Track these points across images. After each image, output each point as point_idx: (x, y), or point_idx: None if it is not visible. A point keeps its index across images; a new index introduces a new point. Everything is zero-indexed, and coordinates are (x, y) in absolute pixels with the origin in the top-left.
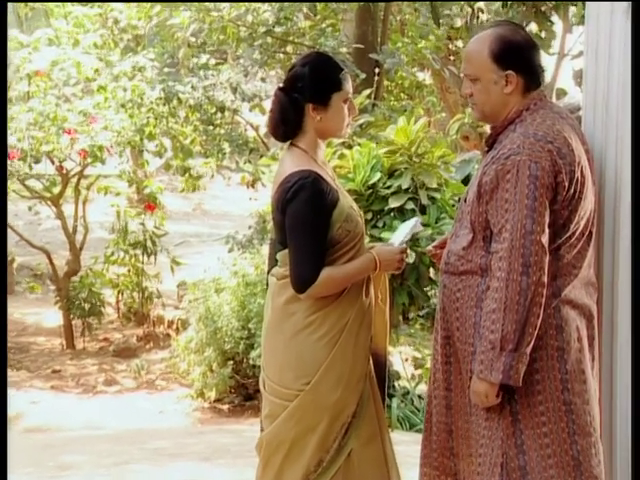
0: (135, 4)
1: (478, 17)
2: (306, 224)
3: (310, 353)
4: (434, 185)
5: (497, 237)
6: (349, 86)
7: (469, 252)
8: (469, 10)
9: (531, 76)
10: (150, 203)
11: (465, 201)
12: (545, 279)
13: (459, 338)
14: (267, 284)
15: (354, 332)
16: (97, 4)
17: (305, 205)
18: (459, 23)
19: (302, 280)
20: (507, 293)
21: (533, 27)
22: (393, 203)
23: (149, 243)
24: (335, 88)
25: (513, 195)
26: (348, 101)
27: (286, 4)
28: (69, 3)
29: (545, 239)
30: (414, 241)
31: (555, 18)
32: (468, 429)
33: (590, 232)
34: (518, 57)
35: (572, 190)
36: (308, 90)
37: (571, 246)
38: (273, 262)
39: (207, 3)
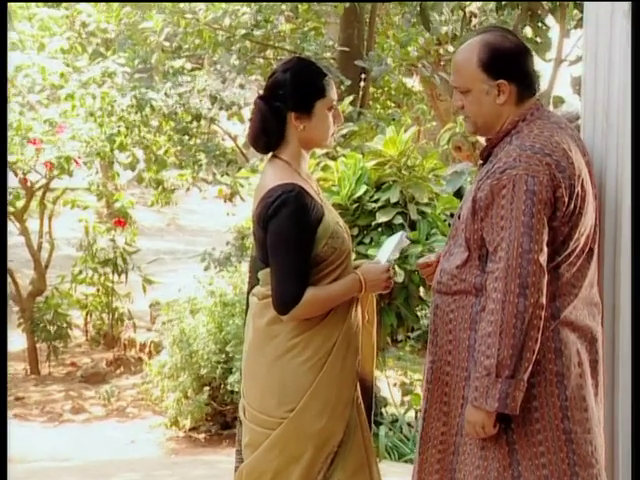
0: (104, 5)
1: (470, 21)
2: (289, 241)
3: (294, 378)
4: (425, 200)
5: (493, 256)
6: (333, 93)
7: (463, 271)
8: (460, 13)
9: (525, 84)
10: (121, 218)
11: (459, 217)
12: (543, 301)
13: (451, 362)
14: (247, 304)
15: (341, 355)
16: (64, 5)
17: (288, 221)
18: (450, 27)
19: (285, 300)
20: (503, 316)
21: (528, 32)
22: (381, 218)
23: (119, 261)
24: (318, 95)
25: (509, 212)
26: (333, 109)
27: (264, 5)
28: (33, 4)
29: (543, 258)
30: (402, 259)
31: (551, 21)
32: (462, 461)
33: (590, 249)
34: (509, 64)
35: (572, 205)
36: (290, 98)
37: (571, 264)
38: (254, 281)
39: (182, 5)
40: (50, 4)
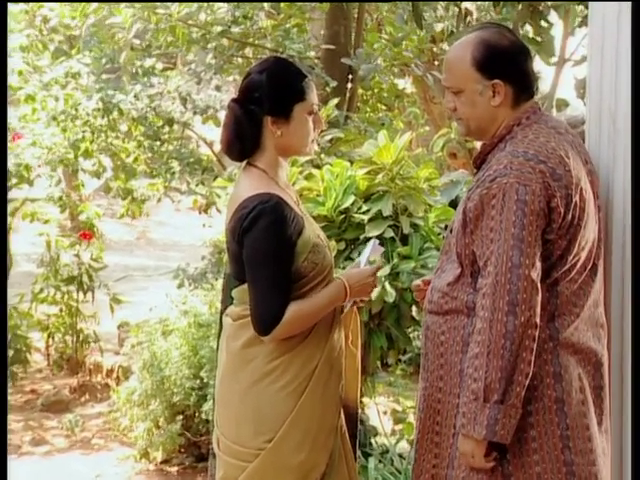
0: None
1: (466, 17)
2: (267, 255)
3: (271, 405)
4: (420, 213)
5: (482, 271)
6: (314, 95)
7: (454, 288)
8: (455, 10)
9: (522, 85)
10: (86, 231)
11: (451, 231)
12: (537, 320)
13: (443, 389)
14: (220, 326)
15: (323, 380)
16: None
17: (266, 233)
18: (444, 24)
19: (266, 320)
20: (491, 336)
21: (529, 31)
22: (371, 231)
23: (85, 278)
24: (297, 98)
25: (498, 223)
26: (313, 113)
27: None
28: None
29: (536, 274)
30: (393, 276)
31: (555, 18)
32: None
33: (594, 265)
34: (505, 64)
35: (569, 216)
36: (266, 101)
37: (571, 281)
38: (227, 300)
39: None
40: None
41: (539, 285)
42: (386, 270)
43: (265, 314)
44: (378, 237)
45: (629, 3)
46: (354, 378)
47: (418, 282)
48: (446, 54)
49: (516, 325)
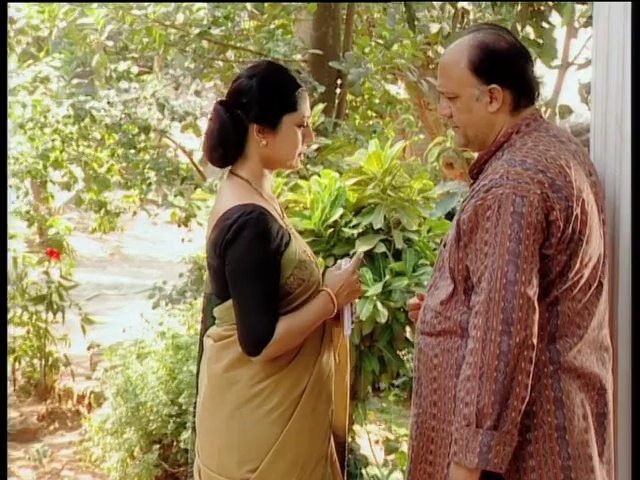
0: None
1: (463, 18)
2: (253, 269)
3: (257, 431)
4: (414, 226)
5: (476, 288)
6: (306, 107)
7: (448, 307)
8: (451, 10)
9: (521, 90)
10: (56, 247)
11: (445, 245)
12: (533, 340)
13: (437, 415)
14: (200, 348)
15: (311, 405)
16: None
17: (250, 246)
18: (441, 26)
19: (255, 339)
20: (484, 357)
21: (531, 33)
22: (361, 246)
23: (55, 297)
24: (288, 108)
25: (493, 236)
26: (303, 125)
27: None
28: None
29: (532, 291)
30: (386, 294)
31: (557, 19)
32: None
33: (600, 283)
34: (503, 67)
35: (569, 230)
36: (254, 107)
37: (574, 300)
38: (209, 320)
39: None
40: None
41: (536, 303)
42: (378, 288)
43: (254, 333)
44: (369, 252)
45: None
46: (342, 402)
47: (413, 300)
48: (441, 57)
49: (511, 346)
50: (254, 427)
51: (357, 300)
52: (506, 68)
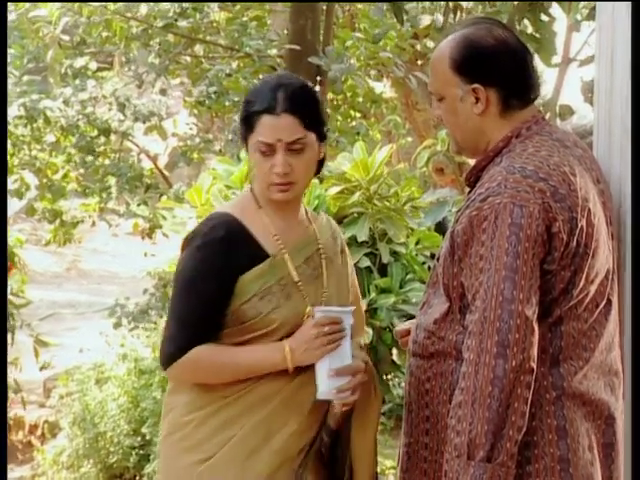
0: None
1: (455, 12)
2: (186, 279)
3: (175, 468)
4: (401, 238)
5: (471, 306)
6: (266, 132)
7: (442, 327)
8: (443, 3)
9: (510, 89)
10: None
11: (438, 259)
12: (532, 364)
13: (429, 445)
14: None
15: (243, 453)
16: None
17: (193, 255)
18: (430, 18)
19: (166, 352)
20: (476, 382)
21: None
22: None
23: None
24: (247, 128)
25: (489, 250)
26: (265, 154)
27: None
28: None
29: (531, 310)
30: (371, 312)
31: (557, 12)
32: None
33: (608, 301)
34: (487, 65)
35: (574, 244)
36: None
37: (579, 319)
38: None
39: None
40: None
41: (535, 324)
42: (363, 306)
43: (166, 345)
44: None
45: None
46: (366, 466)
47: (403, 326)
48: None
49: (506, 370)
50: (173, 461)
51: (353, 360)
52: (490, 66)
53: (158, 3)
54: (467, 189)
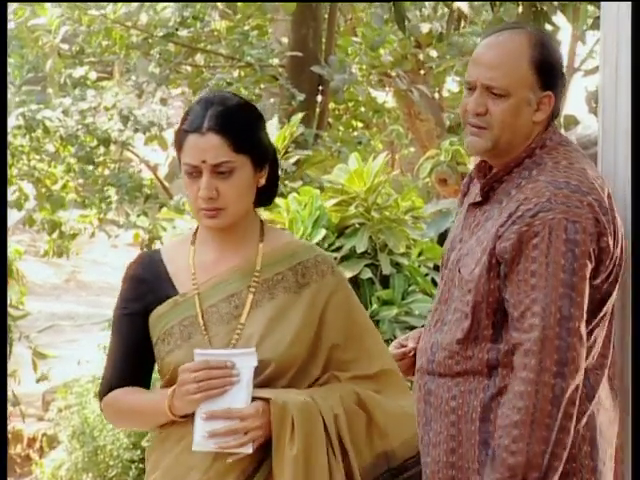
0: None
1: (459, 21)
2: (112, 318)
3: None
4: (401, 249)
5: (518, 323)
6: (192, 153)
7: (467, 346)
8: (446, 10)
9: (558, 103)
10: None
11: (449, 270)
12: (581, 381)
13: (456, 464)
14: None
15: None
16: None
17: (119, 294)
18: (432, 26)
19: (100, 386)
20: (536, 401)
21: None
22: (345, 272)
23: None
24: (177, 147)
25: (544, 267)
26: (194, 174)
27: None
28: None
29: (584, 327)
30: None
31: (562, 21)
32: None
33: (613, 309)
34: (559, 73)
35: (617, 255)
36: None
37: (603, 328)
38: None
39: None
40: None
41: (585, 340)
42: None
43: (100, 384)
44: (354, 279)
45: None
46: None
47: (399, 350)
48: (488, 48)
49: (564, 389)
50: None
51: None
52: (561, 75)
53: (158, 12)
54: (475, 201)
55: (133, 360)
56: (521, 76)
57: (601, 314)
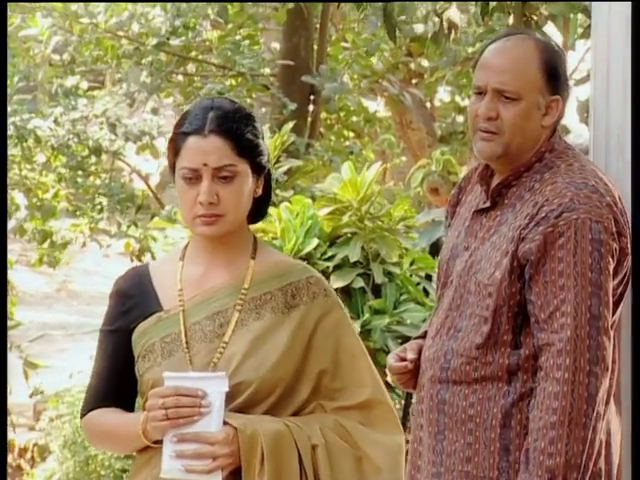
0: None
1: (450, 31)
2: (99, 334)
3: None
4: (394, 258)
5: (546, 324)
6: (190, 157)
7: (487, 351)
8: (436, 20)
9: (564, 108)
10: None
11: (459, 277)
12: (608, 380)
13: (471, 473)
14: None
15: None
16: None
17: (106, 311)
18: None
19: (80, 408)
20: (573, 401)
21: None
22: (337, 281)
23: None
24: (174, 151)
25: (572, 266)
26: (190, 182)
27: (183, 6)
28: None
29: (610, 326)
30: (364, 333)
31: (552, 29)
32: None
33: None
34: (565, 79)
35: (630, 256)
36: None
37: (615, 330)
38: None
39: (74, 6)
40: None
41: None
42: (356, 328)
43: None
44: (346, 288)
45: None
46: None
47: (400, 364)
48: (495, 53)
49: (597, 388)
50: None
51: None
52: (567, 80)
53: (149, 22)
54: (482, 205)
55: (116, 379)
56: (531, 80)
57: (614, 316)
